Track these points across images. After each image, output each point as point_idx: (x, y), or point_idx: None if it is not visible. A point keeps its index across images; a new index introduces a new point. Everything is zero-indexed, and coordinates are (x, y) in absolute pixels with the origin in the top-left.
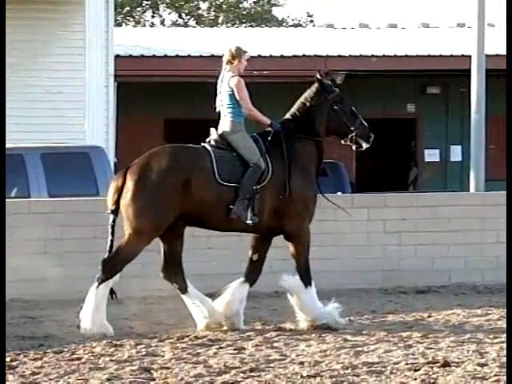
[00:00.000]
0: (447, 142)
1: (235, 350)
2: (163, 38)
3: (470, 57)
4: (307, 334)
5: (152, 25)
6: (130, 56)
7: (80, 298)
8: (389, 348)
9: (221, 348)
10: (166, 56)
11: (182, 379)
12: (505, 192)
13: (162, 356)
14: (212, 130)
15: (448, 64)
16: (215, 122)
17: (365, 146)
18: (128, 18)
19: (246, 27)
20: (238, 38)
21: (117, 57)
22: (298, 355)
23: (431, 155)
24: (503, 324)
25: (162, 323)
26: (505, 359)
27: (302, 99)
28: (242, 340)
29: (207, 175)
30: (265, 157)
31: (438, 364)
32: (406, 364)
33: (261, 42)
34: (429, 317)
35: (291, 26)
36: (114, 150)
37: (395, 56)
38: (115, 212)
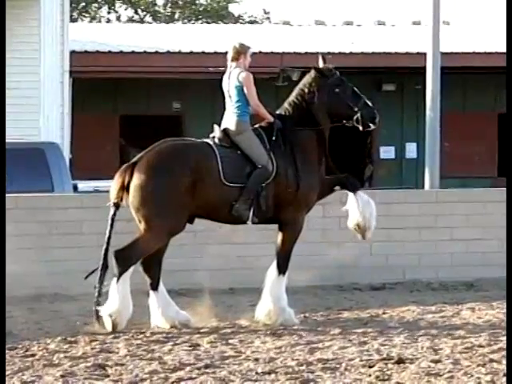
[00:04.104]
0: (402, 139)
1: (190, 346)
2: (119, 34)
3: (425, 54)
4: (262, 330)
5: (108, 21)
6: (86, 52)
7: (35, 295)
8: (343, 345)
9: (176, 344)
10: (121, 52)
11: (136, 376)
12: (459, 189)
13: (117, 352)
14: (215, 126)
15: (403, 61)
16: (171, 118)
17: (372, 126)
18: (84, 13)
19: (202, 23)
20: (194, 35)
21: (72, 53)
22: (253, 352)
23: (386, 152)
24: (457, 321)
25: None
26: (458, 355)
27: (300, 85)
28: (197, 337)
29: (213, 176)
30: (269, 153)
31: (393, 360)
32: (361, 360)
33: (217, 38)
34: (383, 313)
35: (247, 22)
36: (70, 147)
37: (351, 53)
38: (117, 206)
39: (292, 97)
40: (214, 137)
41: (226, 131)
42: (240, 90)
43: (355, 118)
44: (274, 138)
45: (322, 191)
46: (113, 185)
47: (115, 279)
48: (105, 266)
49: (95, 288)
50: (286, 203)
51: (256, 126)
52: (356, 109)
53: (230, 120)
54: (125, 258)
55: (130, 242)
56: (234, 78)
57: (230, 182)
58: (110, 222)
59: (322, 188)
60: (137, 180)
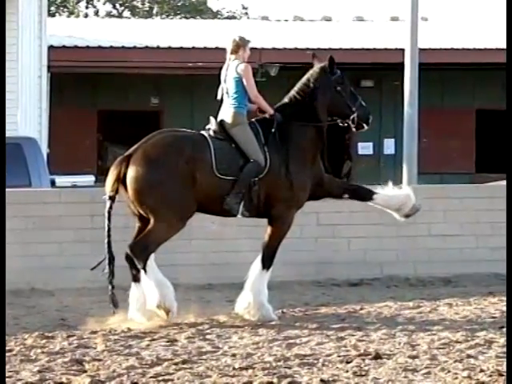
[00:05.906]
0: (380, 135)
1: (168, 342)
2: (97, 29)
3: (403, 50)
4: (240, 326)
5: (86, 15)
6: (64, 47)
7: (12, 290)
8: (321, 340)
9: (153, 340)
10: (99, 47)
11: (114, 371)
12: (437, 185)
13: (94, 348)
14: (211, 118)
15: (381, 57)
16: (149, 113)
17: (366, 127)
18: (62, 8)
19: (180, 19)
20: (173, 30)
21: (50, 47)
22: (230, 347)
23: (365, 148)
24: (434, 316)
25: (95, 315)
26: (435, 351)
27: (304, 80)
28: (174, 332)
29: (206, 168)
30: (264, 149)
31: (370, 356)
32: (338, 356)
33: (195, 33)
34: (361, 309)
35: (226, 17)
36: (47, 141)
37: (329, 49)
38: (113, 198)
39: (293, 91)
40: (209, 129)
41: (221, 123)
42: (238, 81)
43: (352, 117)
44: (272, 131)
45: (326, 190)
46: (108, 177)
47: (142, 272)
48: (111, 259)
49: (108, 282)
50: (277, 199)
51: (253, 119)
52: (354, 109)
53: (226, 112)
54: (141, 248)
55: (145, 234)
56: (232, 70)
57: (222, 174)
58: (106, 215)
59: (326, 186)
60: (133, 172)
